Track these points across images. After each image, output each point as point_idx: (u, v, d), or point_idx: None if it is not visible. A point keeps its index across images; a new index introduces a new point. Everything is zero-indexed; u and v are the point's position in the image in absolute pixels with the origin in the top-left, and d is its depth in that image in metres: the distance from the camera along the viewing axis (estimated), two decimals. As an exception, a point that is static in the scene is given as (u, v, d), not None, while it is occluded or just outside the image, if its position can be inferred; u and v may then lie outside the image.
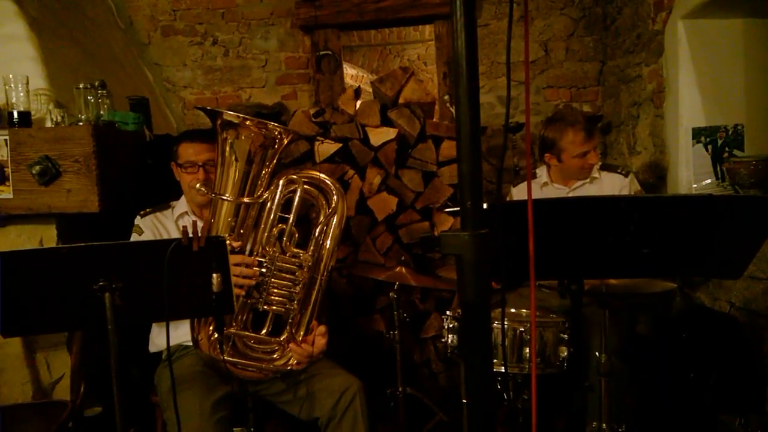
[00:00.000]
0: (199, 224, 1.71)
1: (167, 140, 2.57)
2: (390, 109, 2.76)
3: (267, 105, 3.61)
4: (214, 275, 1.55)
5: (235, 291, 1.69)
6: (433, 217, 2.75)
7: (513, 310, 2.20)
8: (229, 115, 1.78)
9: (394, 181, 2.72)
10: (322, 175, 1.95)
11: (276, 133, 1.83)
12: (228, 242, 1.59)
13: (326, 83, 4.06)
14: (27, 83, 2.22)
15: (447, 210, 2.45)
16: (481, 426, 0.96)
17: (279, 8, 4.13)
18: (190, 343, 1.90)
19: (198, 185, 1.92)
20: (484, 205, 0.95)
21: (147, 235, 2.05)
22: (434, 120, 2.91)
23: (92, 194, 2.18)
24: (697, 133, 2.92)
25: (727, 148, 2.92)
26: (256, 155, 1.81)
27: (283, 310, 1.86)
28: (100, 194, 2.19)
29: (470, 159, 0.92)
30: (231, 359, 1.84)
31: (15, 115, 2.19)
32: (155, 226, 2.09)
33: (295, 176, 1.89)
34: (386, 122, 2.75)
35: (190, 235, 1.54)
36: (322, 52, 4.04)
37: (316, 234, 1.91)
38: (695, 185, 2.94)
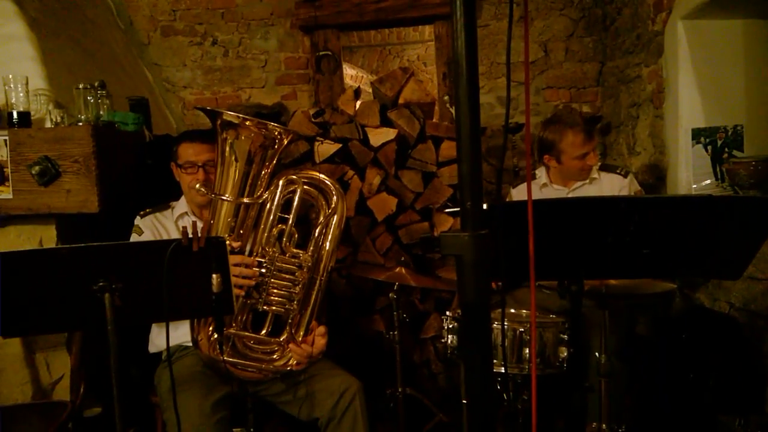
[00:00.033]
0: (199, 225, 1.71)
1: (167, 140, 2.57)
2: (390, 109, 2.76)
3: (267, 105, 3.61)
4: (214, 276, 1.55)
5: (235, 291, 1.68)
6: (433, 218, 2.75)
7: (513, 311, 2.20)
8: (229, 116, 1.78)
9: (393, 182, 2.72)
10: (322, 176, 1.95)
11: (276, 133, 1.83)
12: (228, 242, 1.59)
13: (326, 83, 4.07)
14: (27, 83, 2.22)
15: (447, 210, 2.45)
16: (480, 426, 0.96)
17: (279, 8, 4.13)
18: (190, 344, 1.90)
19: (198, 185, 1.92)
20: (484, 206, 0.95)
21: (147, 236, 2.05)
22: (434, 120, 2.91)
23: (92, 194, 2.18)
24: (697, 134, 2.93)
25: (726, 149, 2.92)
26: (256, 155, 1.81)
27: (282, 310, 1.86)
28: (99, 194, 2.19)
29: (470, 159, 0.92)
30: (231, 360, 1.84)
31: (15, 115, 2.19)
32: (155, 227, 2.09)
33: (294, 176, 1.89)
34: (386, 123, 2.75)
35: (190, 235, 1.54)
36: (321, 53, 4.04)
37: (316, 234, 1.91)
38: (695, 186, 2.94)
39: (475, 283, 0.92)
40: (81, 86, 2.26)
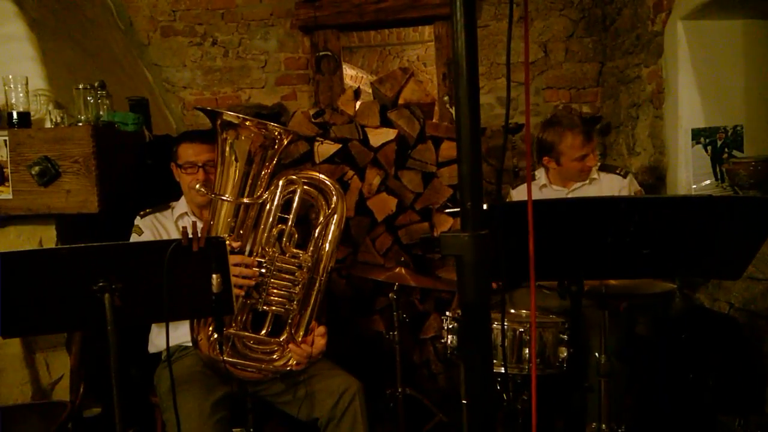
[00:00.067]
0: (199, 225, 1.71)
1: (167, 141, 2.57)
2: (390, 109, 2.76)
3: (266, 106, 3.61)
4: (214, 276, 1.55)
5: (235, 291, 1.68)
6: (433, 218, 2.75)
7: (512, 311, 2.20)
8: (229, 116, 1.78)
9: (393, 182, 2.72)
10: (322, 176, 1.95)
11: (276, 133, 1.83)
12: (228, 243, 1.59)
13: (326, 84, 4.07)
14: (26, 84, 2.22)
15: (447, 211, 2.45)
16: (480, 427, 0.96)
17: (279, 9, 4.13)
18: (190, 344, 1.90)
19: (198, 186, 1.92)
20: (484, 206, 0.95)
21: (147, 236, 2.05)
22: (434, 121, 2.91)
23: (92, 195, 2.18)
24: (697, 134, 2.93)
25: (726, 149, 2.92)
26: (256, 156, 1.81)
27: (282, 310, 1.86)
28: (99, 195, 2.19)
29: (470, 160, 0.92)
30: (230, 360, 1.84)
31: (14, 115, 2.19)
32: (155, 227, 2.09)
33: (294, 177, 1.89)
34: (386, 123, 2.75)
35: (190, 235, 1.54)
36: (321, 53, 4.04)
37: (316, 234, 1.91)
38: (694, 186, 2.94)
39: (475, 283, 0.92)
40: (81, 86, 2.26)
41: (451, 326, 2.18)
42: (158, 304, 1.53)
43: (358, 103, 2.84)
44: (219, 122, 1.80)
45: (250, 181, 1.83)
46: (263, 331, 1.86)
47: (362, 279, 2.64)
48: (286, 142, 1.86)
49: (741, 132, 2.92)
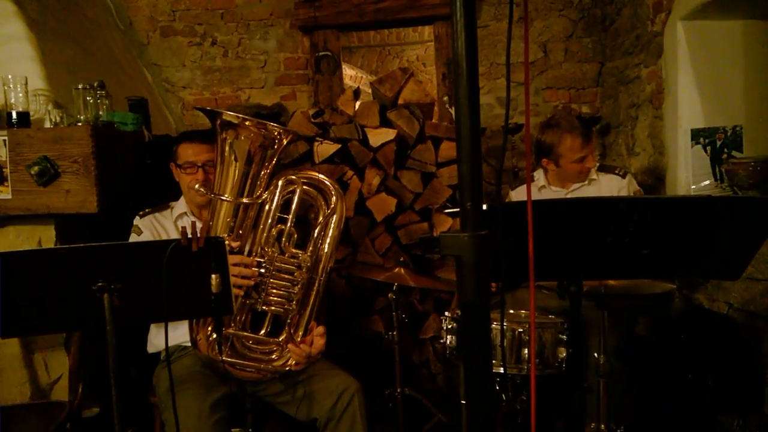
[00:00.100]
0: (198, 225, 1.71)
1: (166, 141, 2.57)
2: (389, 109, 2.76)
3: (266, 106, 3.61)
4: (213, 276, 1.55)
5: (234, 291, 1.68)
6: (432, 218, 2.75)
7: (512, 311, 2.20)
8: (229, 116, 1.78)
9: (393, 182, 2.72)
10: (321, 176, 1.95)
11: (275, 133, 1.83)
12: (227, 242, 1.59)
13: (325, 84, 4.07)
14: (26, 83, 2.22)
15: (446, 211, 2.45)
16: (480, 427, 0.96)
17: (278, 9, 4.13)
18: (189, 344, 1.90)
19: (197, 186, 1.92)
20: (484, 206, 0.95)
21: (146, 236, 2.05)
22: (433, 121, 2.91)
23: (91, 195, 2.18)
24: (696, 135, 2.93)
25: (725, 150, 2.92)
26: (256, 155, 1.81)
27: (281, 310, 1.86)
28: (98, 195, 2.18)
29: (470, 160, 0.92)
30: (229, 360, 1.83)
31: (14, 115, 2.19)
32: (154, 227, 2.09)
33: (294, 177, 1.89)
34: (385, 123, 2.75)
35: (189, 235, 1.54)
36: (321, 53, 4.04)
37: (315, 235, 1.91)
38: (694, 186, 2.94)
39: (475, 283, 0.92)
40: (80, 86, 2.26)
41: (450, 326, 2.18)
42: (157, 304, 1.53)
43: (357, 103, 2.84)
44: (218, 122, 1.80)
45: (249, 181, 1.83)
46: (262, 331, 1.86)
47: (361, 279, 2.64)
48: (285, 142, 1.86)
49: (740, 132, 2.92)
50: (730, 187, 2.75)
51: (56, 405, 2.07)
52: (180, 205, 2.14)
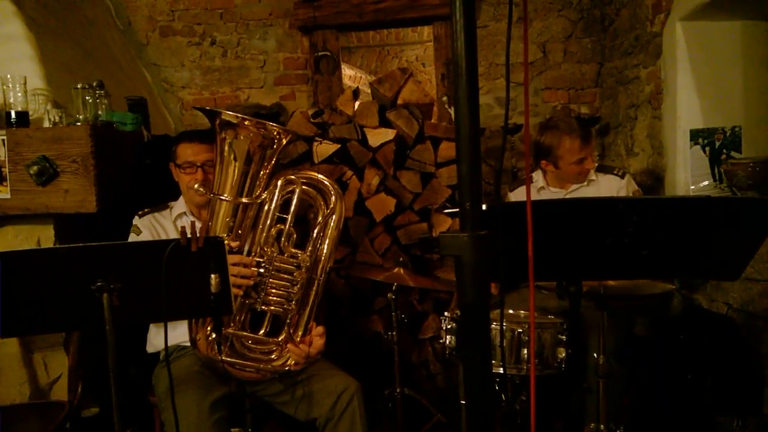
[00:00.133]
0: (198, 224, 1.71)
1: (165, 140, 2.57)
2: (388, 110, 2.76)
3: (265, 105, 3.61)
4: (213, 275, 1.55)
5: (234, 291, 1.68)
6: (432, 218, 2.75)
7: (511, 312, 2.20)
8: (228, 115, 1.78)
9: (392, 182, 2.72)
10: (321, 176, 1.95)
11: (275, 133, 1.83)
12: (226, 242, 1.59)
13: (325, 84, 4.07)
14: (25, 83, 2.22)
15: (446, 211, 2.45)
16: (479, 427, 0.96)
17: (277, 9, 4.13)
18: (188, 344, 1.90)
19: (196, 185, 1.92)
20: (483, 207, 0.95)
21: (145, 236, 2.05)
22: (432, 121, 2.91)
23: (90, 194, 2.18)
24: (695, 135, 2.93)
25: (724, 150, 2.92)
26: (255, 155, 1.81)
27: (281, 310, 1.86)
28: (97, 194, 2.18)
29: (470, 160, 0.91)
30: (229, 359, 1.83)
31: (13, 115, 2.19)
32: (153, 227, 2.09)
33: (293, 177, 1.89)
34: (385, 123, 2.75)
35: (189, 235, 1.53)
36: (320, 53, 4.04)
37: (314, 235, 1.91)
38: (693, 187, 2.94)
39: (474, 283, 0.92)
40: (79, 86, 2.26)
41: (449, 326, 2.18)
42: (157, 304, 1.52)
43: (356, 103, 2.84)
44: (218, 122, 1.80)
45: (248, 181, 1.83)
46: (262, 331, 1.86)
47: (361, 279, 2.64)
48: (284, 142, 1.86)
49: (739, 133, 2.92)
50: (729, 188, 2.75)
51: (55, 405, 2.07)
52: (179, 205, 2.14)
